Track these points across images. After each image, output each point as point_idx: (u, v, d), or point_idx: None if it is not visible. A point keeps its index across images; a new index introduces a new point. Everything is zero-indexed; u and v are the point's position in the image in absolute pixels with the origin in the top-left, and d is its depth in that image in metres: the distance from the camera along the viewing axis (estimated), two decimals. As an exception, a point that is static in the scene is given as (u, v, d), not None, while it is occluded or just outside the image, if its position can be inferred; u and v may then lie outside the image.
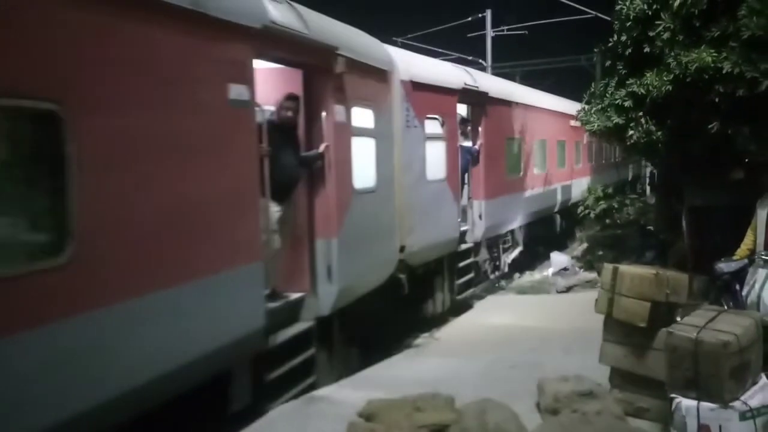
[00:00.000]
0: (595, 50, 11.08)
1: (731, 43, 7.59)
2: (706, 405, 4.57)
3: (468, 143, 11.21)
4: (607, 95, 9.84)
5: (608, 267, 5.71)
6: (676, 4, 8.04)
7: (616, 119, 9.44)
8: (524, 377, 6.07)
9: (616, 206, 15.64)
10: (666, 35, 8.25)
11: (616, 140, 10.53)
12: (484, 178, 11.65)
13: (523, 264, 14.53)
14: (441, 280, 10.19)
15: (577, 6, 21.86)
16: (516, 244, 14.11)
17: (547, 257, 14.81)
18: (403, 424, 4.99)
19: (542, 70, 28.22)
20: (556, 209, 17.21)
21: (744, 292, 6.22)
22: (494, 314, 10.25)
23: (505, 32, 26.11)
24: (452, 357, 7.69)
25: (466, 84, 10.78)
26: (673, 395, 4.81)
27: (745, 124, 7.90)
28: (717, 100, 7.82)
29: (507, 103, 13.05)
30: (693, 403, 4.62)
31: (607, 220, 15.67)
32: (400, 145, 8.57)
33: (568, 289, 12.25)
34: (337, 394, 6.05)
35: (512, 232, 13.88)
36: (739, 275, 6.37)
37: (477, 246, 11.57)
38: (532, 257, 15.15)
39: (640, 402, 5.48)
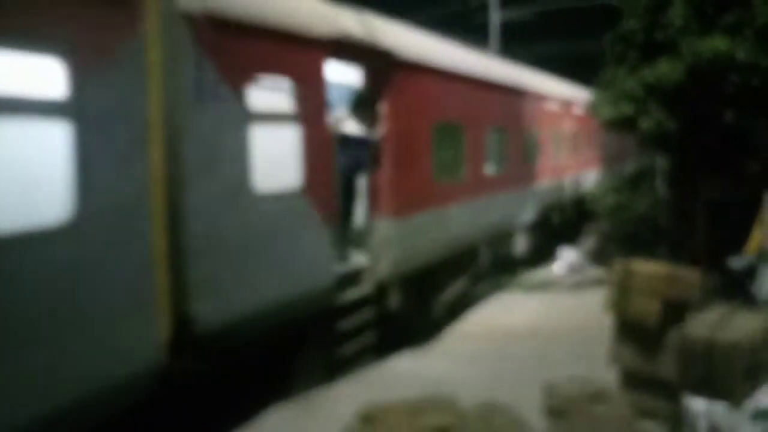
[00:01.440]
0: (605, 37, 10.87)
1: (745, 32, 7.41)
2: (718, 406, 4.45)
3: (359, 130, 7.50)
4: (618, 83, 9.65)
5: (619, 264, 5.55)
6: (689, -10, 7.87)
7: (627, 108, 9.27)
8: (530, 378, 5.89)
9: (626, 201, 15.41)
10: (678, 22, 8.08)
11: (627, 130, 10.35)
12: (393, 184, 7.56)
13: (531, 260, 14.32)
14: (303, 356, 6.44)
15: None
16: (461, 275, 10.40)
17: (555, 253, 14.61)
18: (403, 426, 4.84)
19: (550, 57, 27.92)
20: (523, 223, 13.63)
21: (757, 288, 6.12)
22: (500, 313, 10.08)
23: (512, 18, 25.88)
24: (455, 357, 7.54)
25: (345, 34, 6.80)
26: (684, 396, 4.67)
27: (759, 116, 7.72)
28: (730, 90, 7.65)
29: (436, 73, 8.88)
30: (705, 404, 4.49)
31: (617, 215, 15.43)
32: (178, 133, 4.85)
33: (577, 287, 12.04)
34: (334, 395, 5.91)
35: (454, 260, 9.88)
36: (751, 272, 6.27)
37: (383, 290, 7.61)
38: (540, 253, 14.95)
39: (651, 403, 5.34)
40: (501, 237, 12.21)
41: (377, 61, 7.39)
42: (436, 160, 8.84)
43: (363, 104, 7.47)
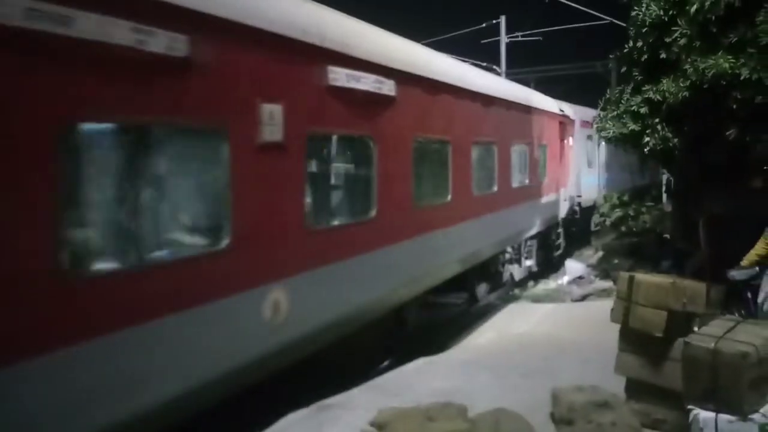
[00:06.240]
0: (611, 56, 11.03)
1: (749, 49, 7.54)
2: (724, 417, 4.49)
3: None
4: (623, 102, 9.80)
5: (624, 275, 5.65)
6: (693, 9, 8.01)
7: (632, 126, 9.41)
8: (538, 386, 6.01)
9: (632, 214, 15.52)
10: (683, 41, 8.22)
11: (632, 147, 10.48)
12: None
13: (537, 272, 14.41)
14: None
15: (592, 12, 21.78)
16: None
17: (563, 265, 14.71)
18: (416, 433, 4.95)
19: (557, 77, 28.16)
20: None
21: (759, 299, 6.19)
22: (508, 322, 10.16)
23: (520, 38, 26.15)
24: (466, 365, 7.62)
25: None
26: (690, 407, 4.72)
27: (763, 131, 7.82)
28: (735, 106, 7.76)
29: None
30: (711, 415, 4.53)
31: (623, 228, 15.53)
32: None
33: (584, 298, 12.15)
34: (349, 401, 6.02)
35: None
36: (751, 283, 6.35)
37: None
38: (547, 265, 15.03)
39: (657, 413, 5.39)
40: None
41: None
42: None
43: None
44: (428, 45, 9.66)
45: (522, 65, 27.85)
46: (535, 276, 14.18)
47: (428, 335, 9.23)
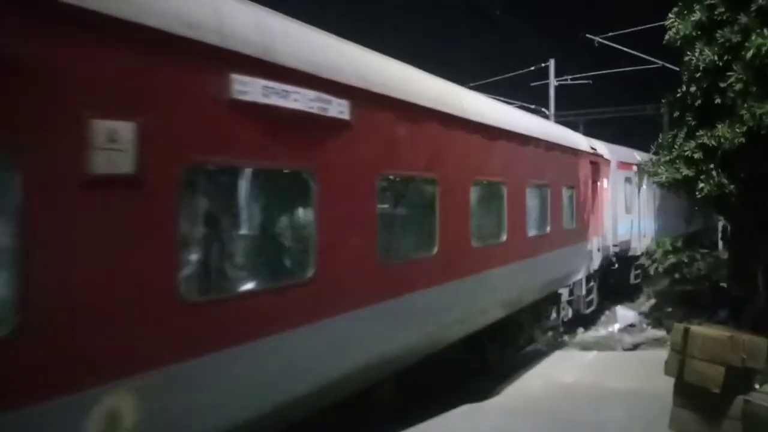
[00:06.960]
0: (663, 101, 10.90)
1: (808, 95, 7.38)
2: None
3: None
4: (676, 146, 9.65)
5: (678, 327, 5.49)
6: (749, 54, 7.89)
7: (686, 171, 9.24)
8: (588, 440, 5.81)
9: (686, 260, 15.08)
10: (738, 86, 8.10)
11: (686, 193, 10.26)
12: None
13: (587, 318, 14.03)
14: None
15: (643, 56, 21.62)
16: None
17: (613, 312, 14.33)
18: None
19: (606, 119, 27.90)
20: None
21: None
22: (557, 370, 9.92)
23: (569, 81, 26.12)
24: (512, 413, 7.44)
25: None
26: (750, 468, 4.52)
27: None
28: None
29: None
30: None
31: (677, 275, 15.09)
32: None
33: (635, 347, 11.80)
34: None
35: None
36: None
37: None
38: (597, 311, 14.65)
39: (714, 473, 5.16)
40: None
41: None
42: None
43: None
44: (477, 88, 9.56)
45: (571, 108, 27.76)
46: (568, 328, 13.40)
47: (472, 381, 9.06)
